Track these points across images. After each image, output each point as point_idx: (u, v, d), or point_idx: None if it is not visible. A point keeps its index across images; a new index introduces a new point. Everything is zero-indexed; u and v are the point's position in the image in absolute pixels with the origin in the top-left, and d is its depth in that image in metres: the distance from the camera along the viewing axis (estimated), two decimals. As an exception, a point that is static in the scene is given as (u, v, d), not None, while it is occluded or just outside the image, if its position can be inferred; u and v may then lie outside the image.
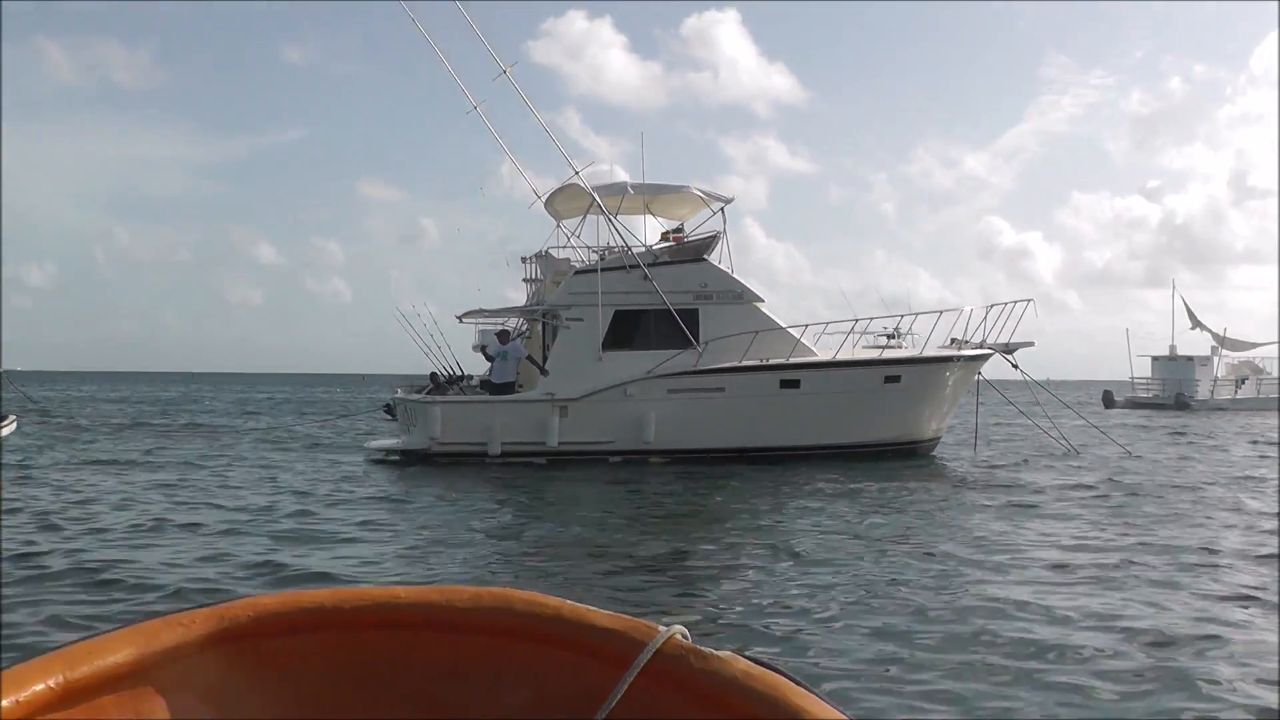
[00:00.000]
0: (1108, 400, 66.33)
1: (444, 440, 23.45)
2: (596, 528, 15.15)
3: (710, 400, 23.92)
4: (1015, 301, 25.86)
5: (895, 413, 25.11)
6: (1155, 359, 69.26)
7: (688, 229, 26.47)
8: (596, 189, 25.01)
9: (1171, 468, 24.39)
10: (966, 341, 25.86)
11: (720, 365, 23.96)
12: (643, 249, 24.96)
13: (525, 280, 29.59)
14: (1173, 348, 69.88)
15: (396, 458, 24.18)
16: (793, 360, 24.27)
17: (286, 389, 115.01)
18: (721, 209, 25.57)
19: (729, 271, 24.69)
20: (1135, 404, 66.34)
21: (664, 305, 23.99)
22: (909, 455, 25.42)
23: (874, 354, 25.35)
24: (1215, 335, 70.47)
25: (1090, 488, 19.43)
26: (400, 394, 27.05)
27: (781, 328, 24.61)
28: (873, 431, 24.86)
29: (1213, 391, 65.90)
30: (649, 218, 26.99)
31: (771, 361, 24.18)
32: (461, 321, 27.91)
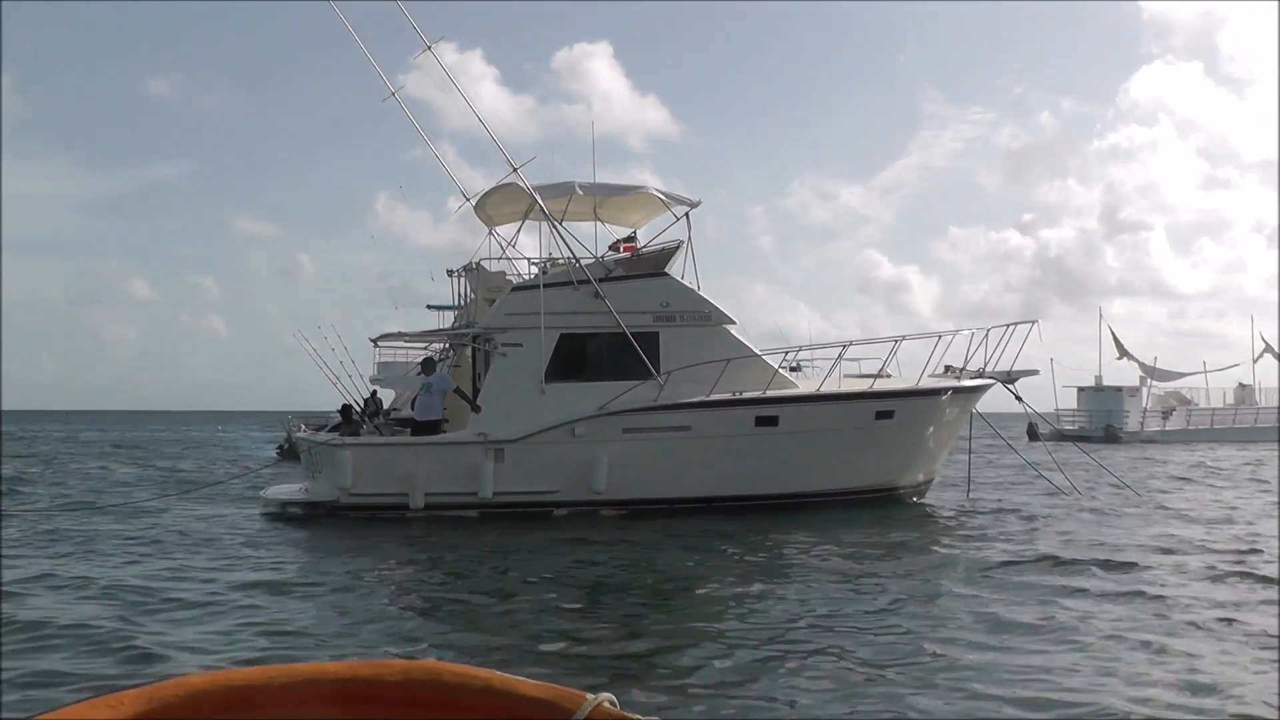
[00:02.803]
0: (1032, 433, 63.05)
1: (356, 490, 19.23)
2: (532, 595, 13.06)
3: (673, 441, 19.97)
4: (1017, 323, 22.29)
5: (887, 453, 21.33)
6: (1081, 390, 67.08)
7: (642, 237, 22.59)
8: (539, 189, 20.83)
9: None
10: (964, 370, 22.25)
11: (685, 400, 20.00)
12: (593, 261, 20.86)
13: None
14: (1098, 378, 67.93)
15: (299, 511, 19.84)
16: (770, 393, 20.43)
17: (164, 428, 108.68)
18: (686, 214, 21.57)
19: (695, 288, 20.75)
20: (1062, 436, 63.84)
21: (618, 328, 20.00)
22: (900, 502, 21.75)
23: (863, 386, 21.52)
24: (1144, 365, 68.90)
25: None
26: (304, 431, 22.71)
27: (756, 355, 20.74)
28: (862, 476, 21.06)
29: (1142, 423, 63.78)
30: (599, 225, 23.01)
31: (745, 395, 20.29)
32: (377, 346, 23.83)
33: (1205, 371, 73.49)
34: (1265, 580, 12.74)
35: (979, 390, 22.60)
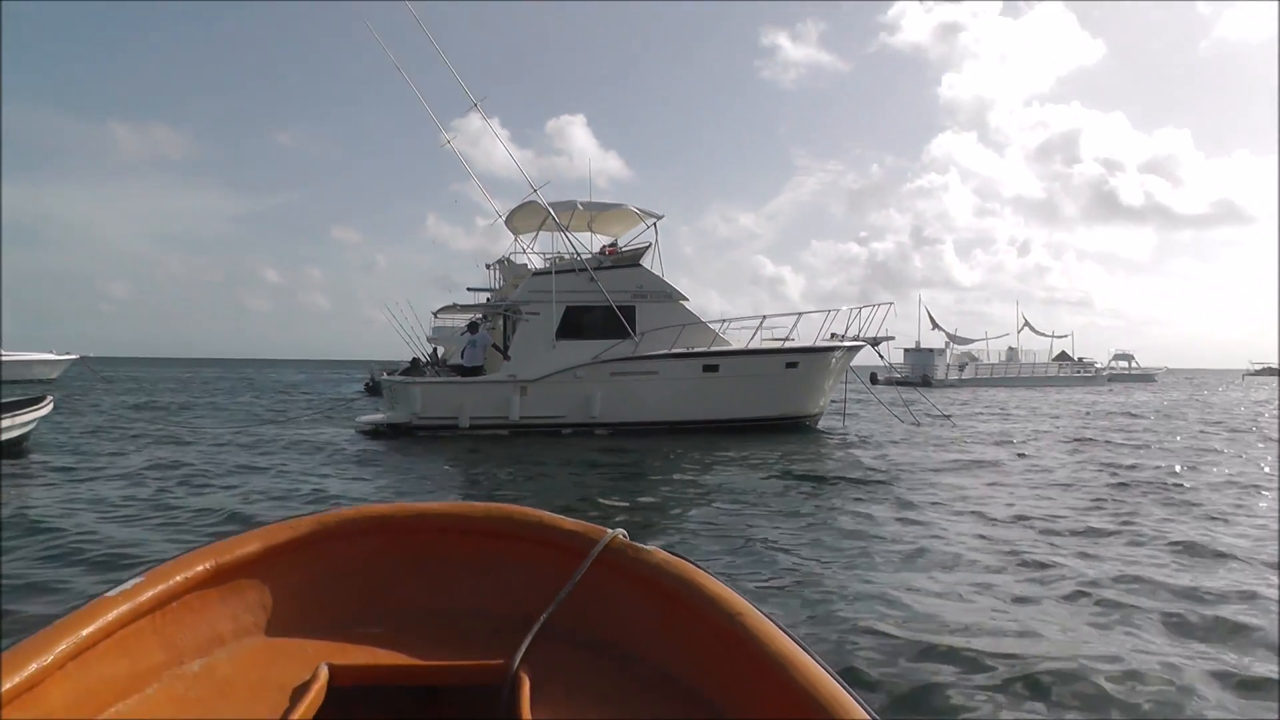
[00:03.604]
0: (873, 379, 63.25)
1: (423, 415, 18.33)
2: (552, 478, 12.71)
3: (645, 382, 19.22)
4: (879, 304, 21.80)
5: (793, 392, 20.73)
6: (906, 350, 66.74)
7: (621, 243, 21.76)
8: (551, 205, 20.00)
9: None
10: (844, 336, 21.68)
11: (654, 353, 19.26)
12: (589, 255, 20.06)
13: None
14: (918, 342, 67.84)
15: (383, 430, 18.95)
16: (713, 349, 19.74)
17: (287, 372, 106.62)
18: (654, 224, 20.78)
19: (660, 275, 19.95)
20: (892, 382, 63.55)
21: (607, 302, 19.18)
22: (802, 428, 21.11)
23: (776, 345, 20.82)
24: (948, 334, 69.08)
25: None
26: (386, 376, 21.78)
27: (702, 322, 20.01)
28: (775, 407, 20.46)
29: (946, 373, 63.74)
30: (590, 234, 22.08)
31: (695, 350, 19.59)
32: (436, 315, 22.96)
33: (986, 339, 74.23)
34: (1065, 485, 12.12)
35: (855, 349, 22.03)
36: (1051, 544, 7.97)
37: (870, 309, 21.79)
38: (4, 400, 15.27)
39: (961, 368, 66.09)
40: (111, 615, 1.99)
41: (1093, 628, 5.42)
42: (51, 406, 15.70)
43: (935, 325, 69.98)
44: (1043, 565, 7.07)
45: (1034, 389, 59.00)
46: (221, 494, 10.54)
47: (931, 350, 65.33)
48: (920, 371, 61.83)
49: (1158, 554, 7.58)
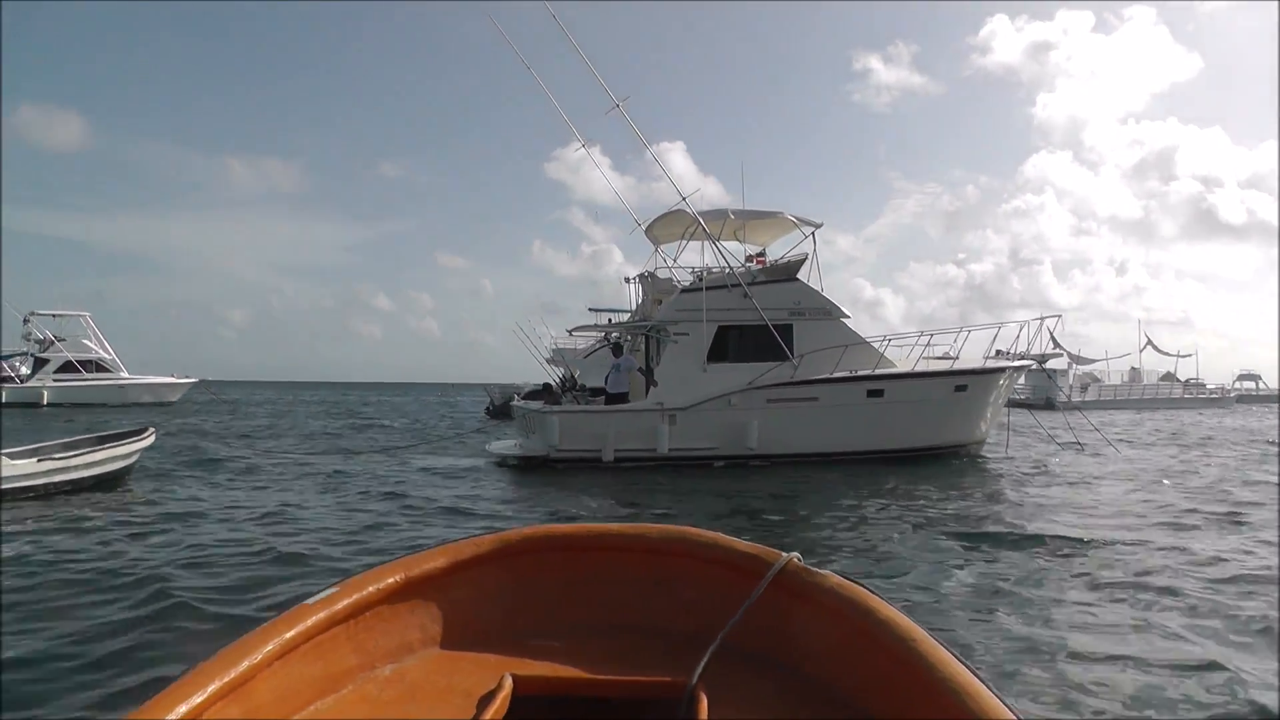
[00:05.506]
0: (990, 401, 60.04)
1: (563, 447, 16.45)
2: (720, 511, 11.19)
3: (805, 409, 17.02)
4: (1046, 317, 19.47)
5: (961, 418, 18.28)
6: (1028, 370, 62.96)
7: (774, 252, 19.69)
8: (700, 214, 18.03)
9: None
10: (1009, 354, 19.26)
11: (814, 377, 17.07)
12: (742, 269, 17.99)
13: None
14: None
15: (516, 461, 17.11)
16: (878, 372, 17.46)
17: (398, 395, 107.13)
18: (812, 233, 18.62)
19: (819, 290, 17.79)
20: (1014, 404, 59.91)
21: (762, 321, 17.08)
22: (968, 456, 18.64)
23: (945, 366, 18.44)
24: (1070, 355, 64.88)
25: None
26: (517, 401, 20.04)
27: (866, 342, 17.77)
28: (941, 435, 18.05)
29: (1069, 395, 59.81)
30: (737, 242, 19.99)
31: (859, 373, 17.34)
32: (571, 334, 21.21)
33: (1107, 359, 69.92)
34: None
35: (1023, 369, 19.60)
36: None
37: (1040, 321, 19.64)
38: (107, 433, 13.88)
39: (1084, 389, 62.04)
40: (311, 621, 2.05)
41: None
42: (153, 438, 14.15)
43: (1057, 345, 66.00)
44: None
45: (1159, 410, 54.97)
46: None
47: (1054, 371, 61.45)
48: (1043, 393, 58.11)
49: None
